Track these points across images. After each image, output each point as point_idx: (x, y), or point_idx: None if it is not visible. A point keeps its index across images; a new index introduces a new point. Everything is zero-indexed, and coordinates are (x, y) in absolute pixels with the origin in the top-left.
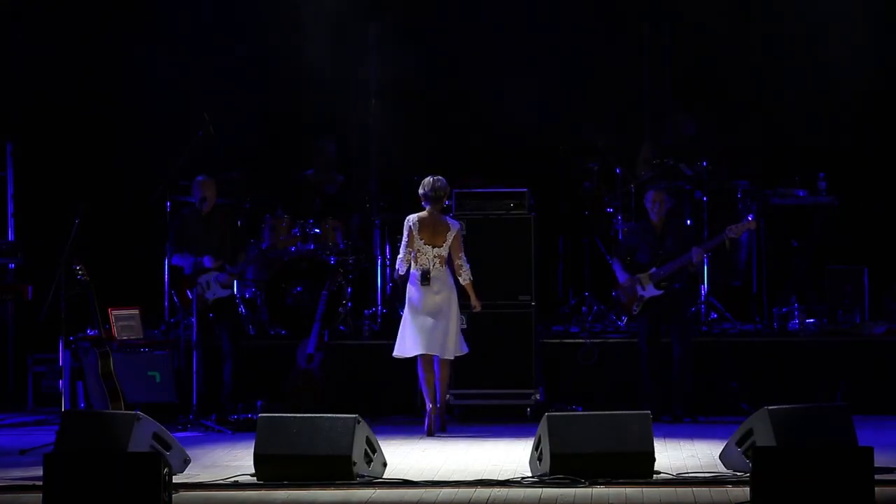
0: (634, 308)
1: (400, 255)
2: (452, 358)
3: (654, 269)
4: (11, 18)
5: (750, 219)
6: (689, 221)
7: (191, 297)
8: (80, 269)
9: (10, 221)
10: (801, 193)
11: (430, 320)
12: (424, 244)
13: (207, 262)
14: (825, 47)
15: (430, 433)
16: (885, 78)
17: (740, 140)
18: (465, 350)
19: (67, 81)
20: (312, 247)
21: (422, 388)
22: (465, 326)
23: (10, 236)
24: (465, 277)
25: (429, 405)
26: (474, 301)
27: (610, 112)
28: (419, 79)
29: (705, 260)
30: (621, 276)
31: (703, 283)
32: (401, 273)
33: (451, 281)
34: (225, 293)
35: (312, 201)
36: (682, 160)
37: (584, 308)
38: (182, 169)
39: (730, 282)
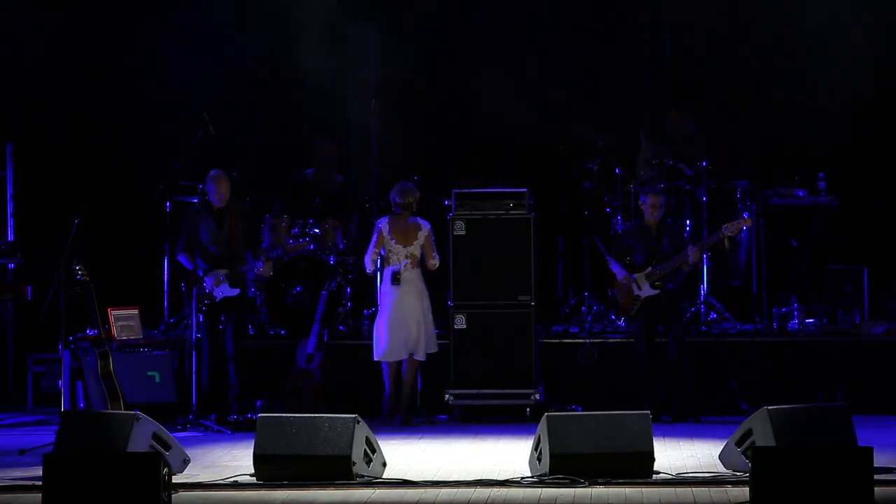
0: (632, 308)
1: (367, 255)
2: (424, 358)
3: (650, 269)
4: (11, 18)
5: (745, 216)
6: (688, 221)
7: (195, 294)
8: (80, 269)
9: (10, 221)
10: (800, 193)
11: (402, 322)
12: (396, 244)
13: (214, 278)
14: (825, 47)
15: (391, 417)
16: (884, 78)
17: (740, 140)
18: (434, 349)
19: (67, 81)
20: (312, 247)
21: (385, 399)
22: (463, 326)
23: (10, 236)
24: (434, 265)
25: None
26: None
27: (610, 112)
28: (419, 79)
29: (705, 260)
30: (619, 273)
31: (703, 283)
32: (368, 272)
33: (422, 282)
34: (234, 292)
35: (312, 201)
36: (681, 160)
37: (583, 308)
38: (182, 169)
39: (730, 282)
